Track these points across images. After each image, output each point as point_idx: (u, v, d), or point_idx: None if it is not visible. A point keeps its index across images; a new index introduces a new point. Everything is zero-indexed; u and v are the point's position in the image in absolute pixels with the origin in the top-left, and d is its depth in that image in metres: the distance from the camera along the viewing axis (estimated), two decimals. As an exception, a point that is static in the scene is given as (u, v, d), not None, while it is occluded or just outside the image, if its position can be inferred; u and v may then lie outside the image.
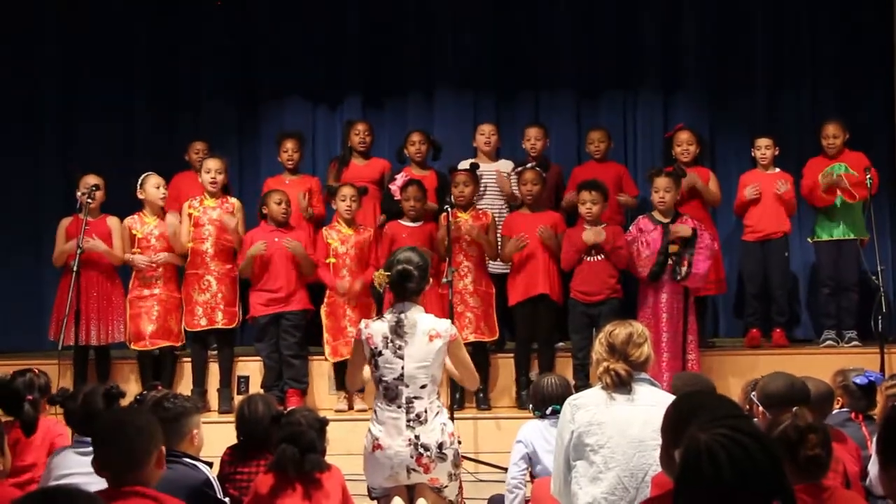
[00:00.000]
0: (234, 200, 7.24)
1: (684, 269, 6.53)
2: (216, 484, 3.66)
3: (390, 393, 4.43)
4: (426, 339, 4.43)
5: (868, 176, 7.10)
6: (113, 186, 7.25)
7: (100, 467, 2.92)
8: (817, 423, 3.21)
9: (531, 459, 4.68)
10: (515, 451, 4.70)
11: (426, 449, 4.37)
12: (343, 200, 6.99)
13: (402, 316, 4.45)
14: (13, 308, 8.04)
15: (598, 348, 3.79)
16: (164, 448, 2.98)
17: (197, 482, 3.56)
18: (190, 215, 7.07)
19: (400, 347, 4.41)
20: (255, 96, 8.57)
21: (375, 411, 4.50)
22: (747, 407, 4.32)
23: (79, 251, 6.49)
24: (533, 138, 7.60)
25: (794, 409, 3.28)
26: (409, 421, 4.39)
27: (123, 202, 7.24)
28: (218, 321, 6.98)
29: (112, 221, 7.07)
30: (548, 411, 4.66)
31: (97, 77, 8.37)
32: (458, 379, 4.91)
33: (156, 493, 2.92)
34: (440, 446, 4.39)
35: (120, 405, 3.35)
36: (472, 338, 6.83)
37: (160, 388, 4.11)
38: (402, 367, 4.41)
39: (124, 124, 8.43)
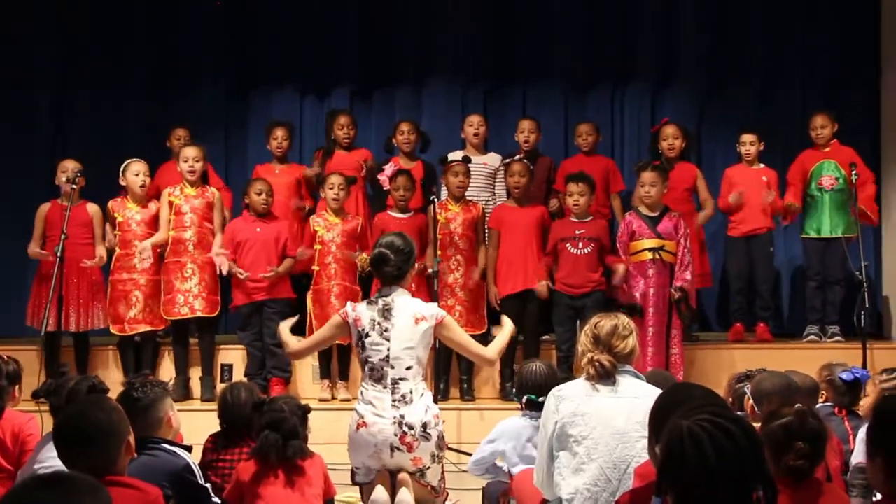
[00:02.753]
0: (213, 191, 7.18)
1: (687, 317, 6.68)
2: (197, 469, 3.64)
3: (376, 374, 4.48)
4: (412, 321, 4.50)
5: (854, 171, 7.13)
6: (101, 173, 7.22)
7: (68, 468, 2.81)
8: (813, 427, 3.06)
9: (505, 455, 4.66)
10: (486, 448, 4.71)
11: (410, 428, 4.41)
12: (331, 188, 6.97)
13: (389, 299, 4.53)
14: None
15: (583, 339, 3.80)
16: (131, 438, 2.93)
17: (177, 468, 3.54)
18: (171, 203, 7.02)
19: (386, 329, 4.48)
20: (243, 86, 8.54)
21: (361, 392, 4.54)
22: (730, 400, 4.33)
23: (62, 237, 6.45)
24: (527, 131, 7.59)
25: (797, 406, 3.11)
26: (394, 401, 4.44)
27: (111, 188, 7.19)
28: (199, 309, 6.94)
29: (92, 209, 7.03)
30: (524, 399, 4.62)
31: (89, 63, 8.34)
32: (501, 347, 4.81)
33: (132, 480, 2.89)
34: (424, 426, 4.43)
35: (78, 405, 3.18)
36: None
37: (150, 376, 4.08)
38: (388, 349, 4.46)
39: (114, 111, 8.38)
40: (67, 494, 1.97)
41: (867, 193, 7.38)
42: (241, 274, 6.86)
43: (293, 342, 4.81)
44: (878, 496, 2.54)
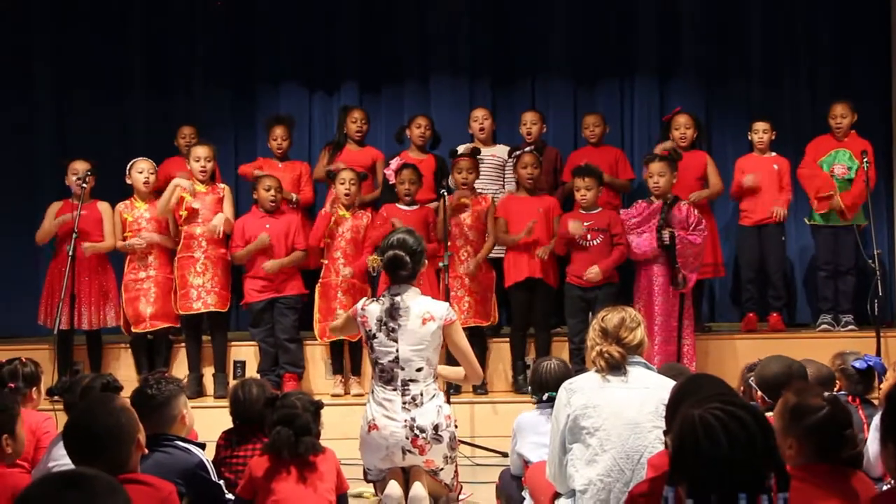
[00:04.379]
0: (223, 186, 7.22)
1: (680, 277, 6.55)
2: (210, 466, 3.65)
3: (386, 375, 4.45)
4: (419, 322, 4.44)
5: (865, 160, 7.09)
6: (107, 171, 7.25)
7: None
8: (848, 411, 2.98)
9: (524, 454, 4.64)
10: (515, 458, 4.67)
11: (422, 431, 4.38)
12: (342, 184, 6.97)
13: (398, 299, 4.47)
14: (8, 292, 8.01)
15: (592, 334, 3.84)
16: (141, 436, 2.93)
17: (190, 465, 3.56)
18: (182, 199, 7.03)
19: (393, 330, 4.43)
20: (251, 82, 8.53)
21: (372, 391, 4.51)
22: (742, 389, 4.32)
23: (74, 236, 6.49)
24: (529, 123, 7.58)
25: (826, 394, 2.99)
26: (404, 403, 4.41)
27: (117, 187, 7.22)
28: (211, 304, 6.97)
29: (103, 206, 7.08)
30: (544, 397, 4.61)
31: (92, 60, 8.33)
32: (458, 379, 4.87)
33: (145, 476, 2.90)
34: (436, 428, 4.41)
35: (84, 410, 3.06)
36: (471, 322, 6.84)
37: (167, 374, 4.09)
38: (397, 350, 4.42)
39: (119, 108, 8.39)
40: (87, 495, 1.96)
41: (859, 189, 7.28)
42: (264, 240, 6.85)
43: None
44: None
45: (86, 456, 2.80)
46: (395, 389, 4.43)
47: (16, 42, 8.28)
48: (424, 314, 4.46)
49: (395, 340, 4.43)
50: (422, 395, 4.43)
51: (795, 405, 2.89)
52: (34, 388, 4.55)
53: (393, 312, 4.44)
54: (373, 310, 4.49)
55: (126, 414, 2.92)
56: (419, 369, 4.44)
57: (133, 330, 6.98)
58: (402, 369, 4.43)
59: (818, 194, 7.40)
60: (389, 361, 4.44)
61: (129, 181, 7.07)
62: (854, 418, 4.31)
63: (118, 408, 2.94)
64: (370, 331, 4.47)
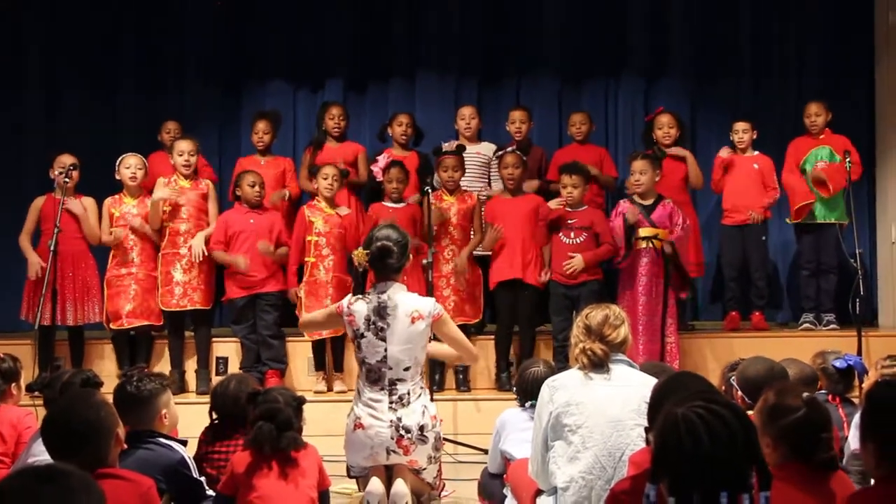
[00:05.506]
0: (207, 182, 7.20)
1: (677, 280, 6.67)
2: (191, 463, 3.65)
3: (373, 375, 4.44)
4: (408, 321, 4.43)
5: (848, 160, 7.13)
6: (94, 167, 7.21)
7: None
8: (827, 413, 2.97)
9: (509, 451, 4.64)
10: (497, 455, 4.67)
11: (407, 431, 4.38)
12: (325, 179, 6.96)
13: (385, 297, 4.45)
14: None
15: (576, 331, 3.84)
16: (120, 431, 2.92)
17: (171, 461, 3.56)
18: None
19: (382, 329, 4.42)
20: (237, 78, 8.51)
21: (359, 391, 4.50)
22: (723, 388, 4.33)
23: (56, 231, 6.45)
24: (518, 121, 7.57)
25: (805, 395, 2.96)
26: (391, 403, 4.40)
27: (104, 182, 7.18)
28: (197, 301, 6.94)
29: (87, 202, 7.03)
30: (527, 405, 4.61)
31: (80, 56, 8.30)
32: (455, 358, 4.92)
33: (125, 471, 2.89)
34: (421, 429, 4.40)
35: (65, 404, 3.04)
36: (459, 321, 6.82)
37: (145, 369, 4.07)
38: (386, 350, 4.41)
39: (107, 106, 8.36)
40: (61, 490, 1.95)
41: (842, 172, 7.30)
42: (240, 264, 6.83)
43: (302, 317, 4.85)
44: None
45: (65, 451, 2.79)
46: (382, 389, 4.43)
47: (8, 40, 8.23)
48: (413, 312, 4.45)
49: (384, 340, 4.42)
50: (408, 394, 4.43)
51: (774, 405, 2.90)
52: (13, 384, 4.53)
53: (381, 311, 4.43)
54: (360, 308, 4.47)
55: (105, 409, 2.91)
56: (407, 368, 4.44)
57: (112, 326, 6.95)
58: (391, 369, 4.42)
59: (795, 206, 7.46)
60: (377, 361, 4.43)
61: (118, 177, 7.04)
62: (834, 417, 4.36)
63: (97, 403, 2.93)
64: (358, 330, 4.45)
